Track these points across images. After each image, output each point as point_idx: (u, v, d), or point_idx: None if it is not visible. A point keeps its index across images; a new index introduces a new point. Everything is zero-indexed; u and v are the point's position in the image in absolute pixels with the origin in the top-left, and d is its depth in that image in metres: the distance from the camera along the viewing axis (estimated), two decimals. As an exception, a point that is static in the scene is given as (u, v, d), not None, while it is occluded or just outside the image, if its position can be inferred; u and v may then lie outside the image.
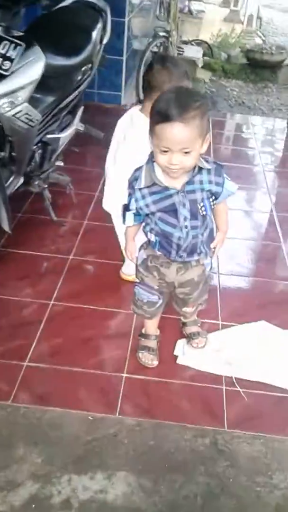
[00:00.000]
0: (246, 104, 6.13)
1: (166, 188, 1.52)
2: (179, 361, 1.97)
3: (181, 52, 5.79)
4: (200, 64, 6.54)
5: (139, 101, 4.85)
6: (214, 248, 1.77)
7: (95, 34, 2.78)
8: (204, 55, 7.17)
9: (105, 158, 2.22)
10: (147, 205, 1.57)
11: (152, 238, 1.67)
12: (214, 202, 1.62)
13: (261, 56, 6.74)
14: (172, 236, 1.60)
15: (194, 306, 1.94)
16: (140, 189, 1.55)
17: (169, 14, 5.10)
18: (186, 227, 1.57)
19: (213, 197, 1.60)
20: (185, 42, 7.12)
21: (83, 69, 2.76)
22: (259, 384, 1.91)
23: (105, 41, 2.98)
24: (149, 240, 1.70)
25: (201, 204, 1.56)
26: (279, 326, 2.20)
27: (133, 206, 1.60)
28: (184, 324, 2.10)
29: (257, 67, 6.82)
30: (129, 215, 1.66)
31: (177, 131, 1.35)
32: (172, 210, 1.55)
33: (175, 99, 1.36)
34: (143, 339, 2.00)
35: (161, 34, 4.95)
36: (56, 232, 2.72)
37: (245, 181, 3.60)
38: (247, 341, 2.10)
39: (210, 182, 1.54)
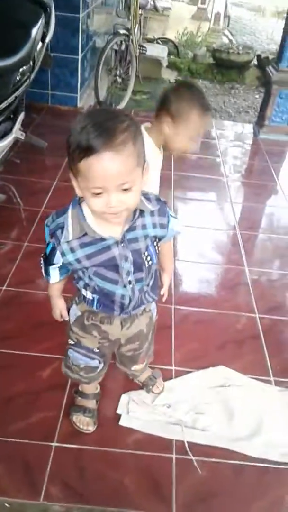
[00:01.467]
0: (212, 106, 5.87)
1: (102, 239, 1.17)
2: (122, 422, 1.67)
3: (143, 51, 5.47)
4: (165, 64, 6.26)
5: (98, 103, 4.56)
6: (163, 295, 1.49)
7: (35, 31, 2.43)
8: (170, 54, 6.90)
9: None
10: (78, 260, 1.20)
11: (88, 295, 1.30)
12: (158, 245, 1.29)
13: (228, 56, 6.49)
14: (114, 295, 1.27)
15: (144, 362, 1.64)
16: (67, 241, 1.18)
17: (129, 11, 4.77)
18: (130, 282, 1.25)
19: (157, 240, 1.28)
20: (151, 40, 6.83)
21: (21, 70, 2.42)
22: (216, 449, 1.62)
23: (48, 39, 2.63)
24: (84, 296, 1.33)
25: (146, 254, 1.23)
26: (240, 371, 1.92)
27: (58, 260, 1.23)
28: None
29: (224, 67, 6.57)
30: (54, 270, 1.29)
31: (108, 164, 1.00)
32: (112, 265, 1.21)
33: (94, 124, 1.00)
34: (79, 397, 1.68)
35: (121, 32, 4.63)
36: (-11, 257, 2.38)
37: (207, 194, 3.34)
38: (202, 393, 1.81)
39: (154, 225, 1.22)
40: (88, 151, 0.99)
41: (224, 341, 2.08)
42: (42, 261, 1.30)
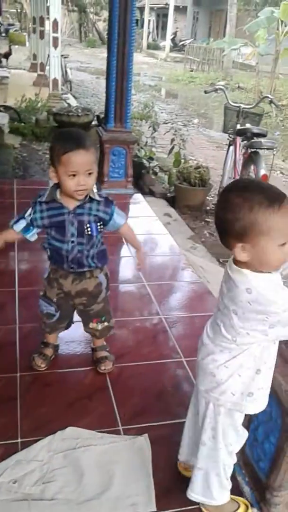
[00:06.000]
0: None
1: (62, 206, 1.87)
2: None
3: (-21, 120, 5.50)
4: (7, 130, 6.33)
5: None
6: (139, 266, 2.15)
7: None
8: (13, 120, 7.02)
9: None
10: (42, 218, 1.90)
11: (48, 252, 2.01)
12: (102, 227, 1.95)
13: (69, 118, 6.75)
14: (62, 250, 1.94)
15: (98, 322, 2.17)
16: (40, 202, 1.88)
17: None
18: (72, 242, 1.92)
19: (101, 223, 1.94)
20: (-9, 108, 6.89)
21: None
22: (65, 516, 1.57)
23: None
24: (48, 256, 2.03)
25: (88, 226, 1.90)
26: (89, 427, 1.92)
27: (28, 216, 1.89)
28: (94, 349, 2.29)
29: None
30: (21, 223, 1.92)
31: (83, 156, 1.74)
32: (62, 227, 1.89)
33: (75, 134, 1.81)
34: (41, 345, 2.25)
35: None
36: None
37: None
38: (51, 460, 1.76)
39: (98, 210, 1.91)
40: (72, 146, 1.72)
41: (72, 399, 2.07)
42: (17, 216, 1.92)
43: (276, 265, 1.26)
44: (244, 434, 1.55)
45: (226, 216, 1.23)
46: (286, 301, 1.21)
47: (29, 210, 1.90)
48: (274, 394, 1.48)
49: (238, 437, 1.52)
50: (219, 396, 1.41)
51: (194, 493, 1.59)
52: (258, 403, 1.42)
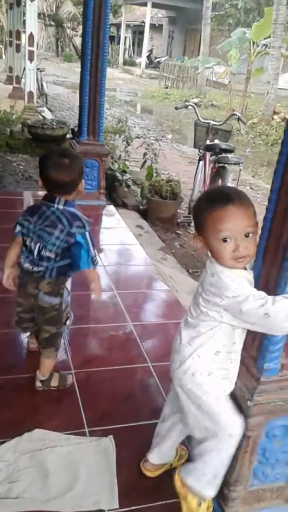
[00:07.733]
0: (33, 178, 6.08)
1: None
2: None
3: None
4: (-19, 141, 6.37)
5: None
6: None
7: None
8: (-13, 131, 7.05)
9: None
10: None
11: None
12: None
13: (43, 131, 6.86)
14: None
15: None
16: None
17: None
18: None
19: None
20: None
21: None
22: (31, 513, 1.62)
23: None
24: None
25: None
26: (57, 429, 1.97)
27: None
28: None
29: (41, 141, 6.91)
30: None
31: None
32: None
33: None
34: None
35: None
36: None
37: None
38: (17, 461, 1.80)
39: None
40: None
41: (40, 402, 2.11)
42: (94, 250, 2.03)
43: (225, 259, 1.38)
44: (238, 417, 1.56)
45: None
46: (238, 288, 1.37)
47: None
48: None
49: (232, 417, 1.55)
50: (182, 375, 1.53)
51: (184, 472, 1.66)
52: (217, 382, 1.52)
